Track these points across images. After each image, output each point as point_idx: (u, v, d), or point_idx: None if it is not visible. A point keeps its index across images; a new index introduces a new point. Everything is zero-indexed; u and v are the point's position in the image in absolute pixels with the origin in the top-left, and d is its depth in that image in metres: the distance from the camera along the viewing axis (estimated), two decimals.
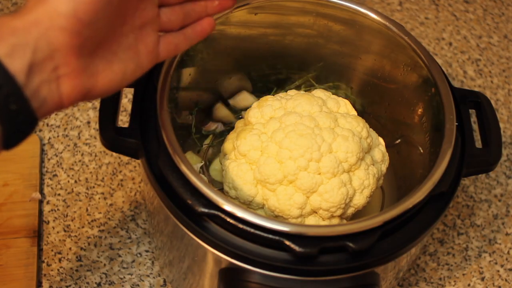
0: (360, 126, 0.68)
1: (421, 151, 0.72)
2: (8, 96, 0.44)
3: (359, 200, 0.66)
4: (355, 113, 0.72)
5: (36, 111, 0.47)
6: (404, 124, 0.75)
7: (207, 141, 0.78)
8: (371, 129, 0.71)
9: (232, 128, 0.75)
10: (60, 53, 0.47)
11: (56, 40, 0.47)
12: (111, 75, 0.52)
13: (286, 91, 0.77)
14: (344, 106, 0.71)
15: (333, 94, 0.73)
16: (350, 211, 0.67)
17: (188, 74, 0.72)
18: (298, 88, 0.79)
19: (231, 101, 0.80)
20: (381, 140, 0.71)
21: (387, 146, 0.72)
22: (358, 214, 0.68)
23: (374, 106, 0.79)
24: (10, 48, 0.45)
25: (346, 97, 0.78)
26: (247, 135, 0.67)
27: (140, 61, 0.54)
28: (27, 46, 0.46)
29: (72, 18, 0.47)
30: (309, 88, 0.79)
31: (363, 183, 0.66)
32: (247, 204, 0.66)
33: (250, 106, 0.72)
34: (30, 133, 0.47)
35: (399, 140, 0.77)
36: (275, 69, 0.80)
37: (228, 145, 0.70)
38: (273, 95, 0.72)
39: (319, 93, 0.72)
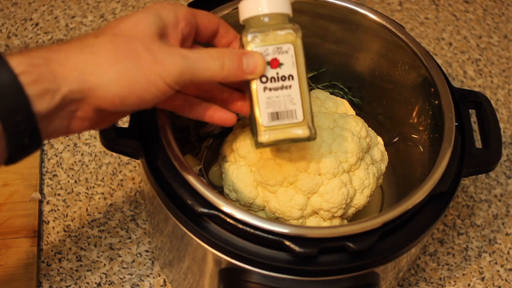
0: (359, 126, 0.68)
1: (421, 149, 0.72)
2: (24, 132, 0.47)
3: (360, 200, 0.66)
4: (353, 112, 0.72)
5: (42, 137, 0.49)
6: (403, 123, 0.75)
7: (205, 144, 0.78)
8: (369, 128, 0.71)
9: (230, 129, 0.75)
10: (86, 106, 0.50)
11: (90, 100, 0.50)
12: (115, 120, 0.56)
13: None
14: (342, 106, 0.71)
15: (330, 94, 0.74)
16: (351, 211, 0.67)
17: None
18: None
19: None
20: (379, 139, 0.71)
21: (385, 145, 0.72)
22: (358, 214, 0.68)
23: (372, 105, 0.79)
24: (42, 91, 0.47)
25: (344, 97, 0.78)
26: (246, 137, 0.67)
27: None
28: (58, 93, 0.48)
29: (117, 99, 0.50)
30: None
31: (363, 183, 0.66)
32: (248, 207, 0.66)
33: None
34: (31, 153, 0.49)
35: (397, 139, 0.77)
36: None
37: (227, 147, 0.70)
38: None
39: (318, 93, 0.72)
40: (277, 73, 0.56)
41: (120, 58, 0.50)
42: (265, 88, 0.56)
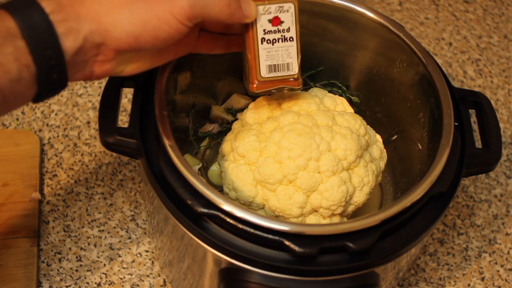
0: (358, 123, 0.68)
1: (420, 147, 0.72)
2: (53, 67, 0.51)
3: (359, 197, 0.66)
4: (352, 110, 0.72)
5: (68, 77, 0.53)
6: (402, 121, 0.75)
7: (204, 143, 0.78)
8: (368, 126, 0.71)
9: (228, 128, 0.75)
10: (106, 48, 0.54)
11: (107, 41, 0.53)
12: (142, 65, 0.59)
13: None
14: (341, 104, 0.71)
15: (329, 92, 0.74)
16: (351, 208, 0.67)
17: (184, 76, 0.72)
18: None
19: (223, 106, 0.80)
20: (378, 137, 0.72)
21: (384, 143, 0.72)
22: (358, 211, 0.68)
23: (370, 103, 0.79)
24: (68, 29, 0.51)
25: (342, 95, 0.78)
26: (245, 136, 0.67)
27: (171, 56, 0.61)
28: (81, 32, 0.51)
29: (131, 39, 0.53)
30: (304, 87, 0.79)
31: (362, 180, 0.66)
32: (248, 205, 0.66)
33: (244, 108, 0.72)
34: (58, 93, 0.54)
35: (395, 137, 0.77)
36: None
37: (226, 146, 0.70)
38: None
39: (316, 91, 0.72)
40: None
41: None
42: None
